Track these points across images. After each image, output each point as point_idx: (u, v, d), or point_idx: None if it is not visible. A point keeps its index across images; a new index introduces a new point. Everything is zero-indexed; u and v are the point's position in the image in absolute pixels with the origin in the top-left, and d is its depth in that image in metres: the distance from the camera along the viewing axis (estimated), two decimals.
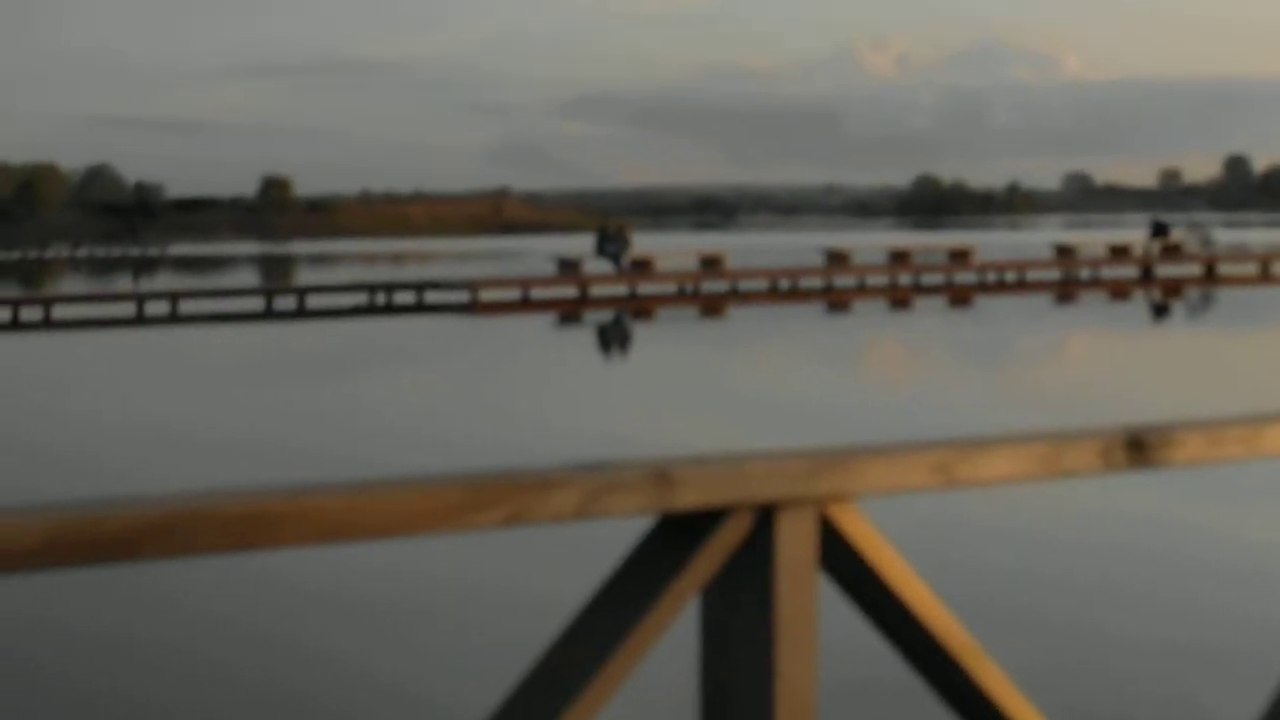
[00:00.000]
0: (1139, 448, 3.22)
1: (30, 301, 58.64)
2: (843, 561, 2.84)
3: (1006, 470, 3.06)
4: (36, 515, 2.16)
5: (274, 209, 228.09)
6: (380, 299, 61.05)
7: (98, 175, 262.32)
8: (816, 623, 2.80)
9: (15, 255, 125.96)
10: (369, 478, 2.52)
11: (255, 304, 59.93)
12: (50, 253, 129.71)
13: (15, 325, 53.32)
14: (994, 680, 3.00)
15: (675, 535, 2.71)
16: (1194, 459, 3.32)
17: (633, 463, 2.66)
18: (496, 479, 2.53)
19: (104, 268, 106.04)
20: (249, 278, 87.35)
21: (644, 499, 2.63)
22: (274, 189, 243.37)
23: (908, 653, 2.97)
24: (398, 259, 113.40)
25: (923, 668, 2.98)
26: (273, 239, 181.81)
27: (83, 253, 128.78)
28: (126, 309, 57.37)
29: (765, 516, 2.75)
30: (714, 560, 2.72)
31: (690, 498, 2.67)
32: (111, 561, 2.21)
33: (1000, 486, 3.14)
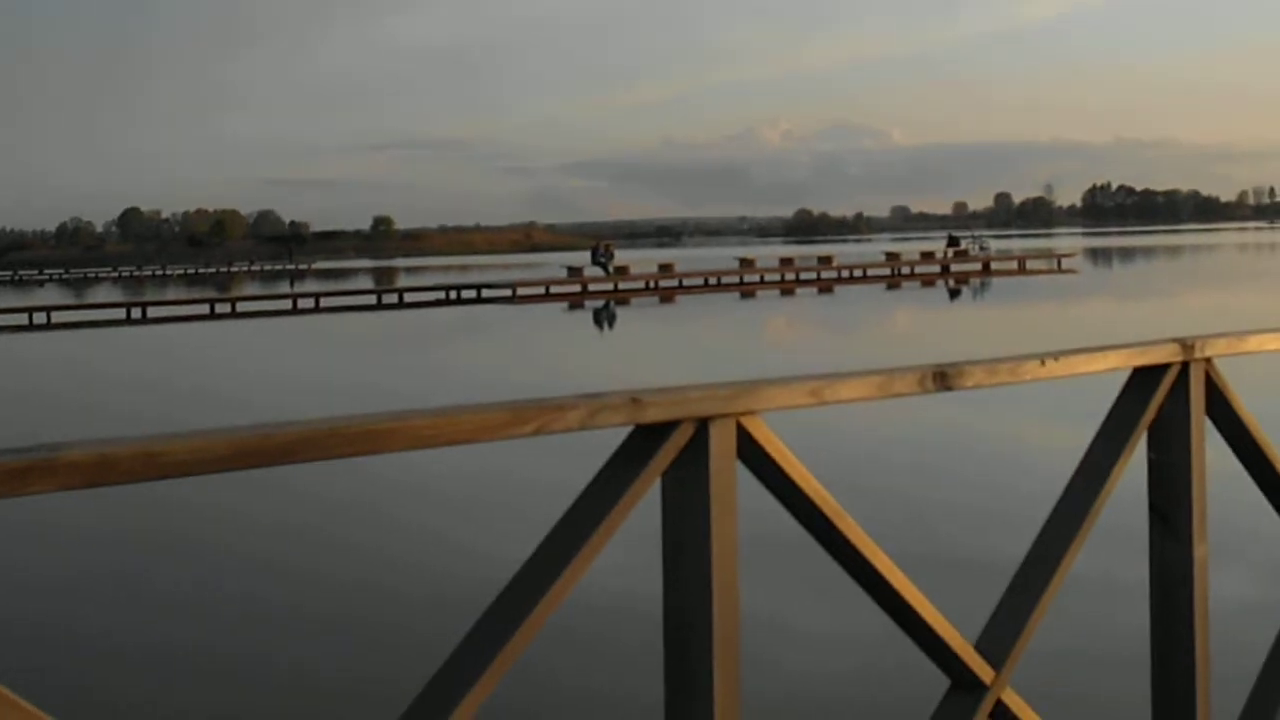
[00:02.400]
0: (942, 377, 3.20)
1: (222, 300, 58.56)
2: (753, 455, 2.82)
3: (857, 393, 3.03)
4: (224, 433, 2.12)
5: (381, 237, 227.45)
6: (453, 295, 60.98)
7: (265, 217, 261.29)
8: (736, 495, 2.78)
9: (211, 270, 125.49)
10: (444, 405, 2.49)
11: (370, 300, 59.92)
12: (234, 268, 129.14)
13: (213, 315, 53.23)
14: (855, 533, 2.97)
15: (645, 439, 2.69)
16: (978, 384, 3.29)
17: (617, 392, 2.64)
18: (528, 404, 2.50)
19: (270, 278, 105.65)
20: (366, 283, 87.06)
21: (624, 415, 2.61)
22: (382, 224, 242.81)
23: (795, 514, 2.94)
24: (464, 269, 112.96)
25: (807, 525, 2.96)
26: (381, 257, 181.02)
27: (255, 268, 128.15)
28: (285, 304, 57.30)
29: (703, 425, 2.72)
30: (670, 454, 2.69)
31: (654, 414, 2.65)
32: (274, 464, 2.17)
33: (855, 404, 3.10)
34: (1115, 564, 9.73)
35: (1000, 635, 3.34)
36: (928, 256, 78.29)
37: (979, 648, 3.28)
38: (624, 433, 2.71)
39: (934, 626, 3.13)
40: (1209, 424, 4.00)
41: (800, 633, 9.41)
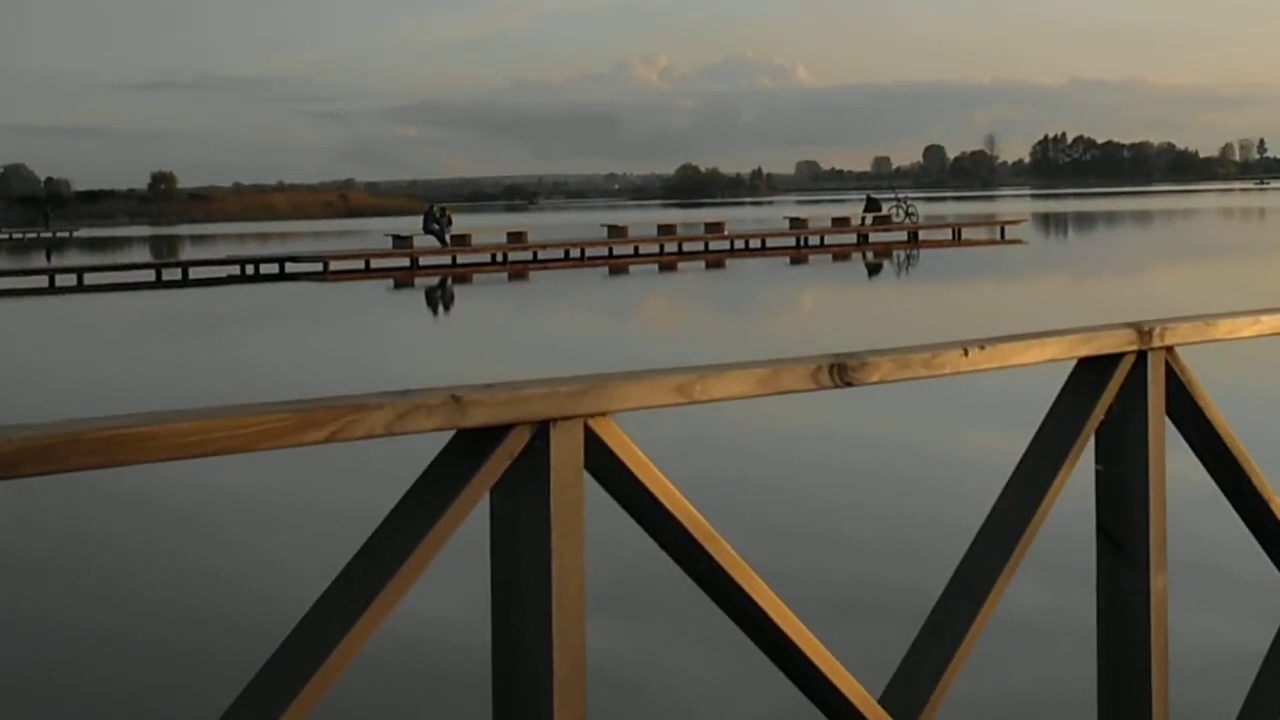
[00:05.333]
0: (841, 370, 3.24)
1: None
2: (603, 464, 2.84)
3: (735, 390, 3.06)
4: None
5: (162, 198, 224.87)
6: (250, 270, 60.46)
7: (14, 173, 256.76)
8: (583, 513, 2.80)
9: None
10: (216, 405, 2.48)
11: (147, 276, 59.24)
12: None
13: None
14: (727, 557, 3.00)
15: (468, 447, 2.70)
16: (885, 378, 3.34)
17: (433, 389, 2.65)
18: (320, 404, 2.50)
19: (19, 248, 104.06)
20: (143, 254, 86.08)
21: (441, 418, 2.61)
22: (162, 182, 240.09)
23: (656, 536, 2.97)
24: (264, 238, 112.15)
25: (667, 548, 2.98)
26: (161, 223, 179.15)
27: (2, 235, 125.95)
28: (40, 281, 56.47)
29: (542, 430, 2.74)
30: (500, 466, 2.71)
31: (480, 416, 2.66)
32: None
33: (731, 403, 3.13)
34: (1055, 599, 9.90)
35: (912, 686, 3.39)
36: (841, 223, 78.82)
37: (884, 702, 3.33)
38: (444, 440, 2.72)
39: (828, 675, 3.16)
40: (1170, 426, 4.07)
41: (665, 679, 9.47)
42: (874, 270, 58.48)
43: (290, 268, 60.94)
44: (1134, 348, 3.92)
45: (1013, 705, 8.69)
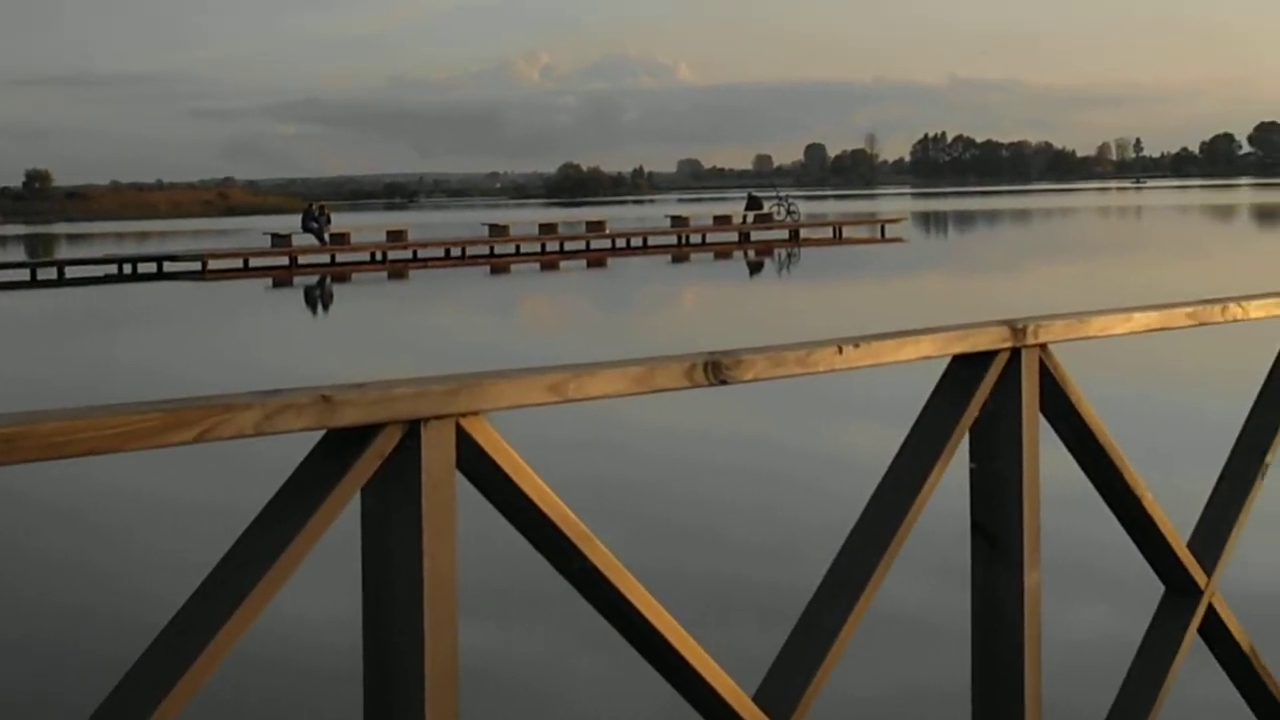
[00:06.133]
0: (716, 368, 3.24)
1: None
2: (475, 464, 2.83)
3: (609, 388, 3.06)
4: None
5: (37, 196, 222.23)
6: (127, 269, 59.91)
7: None
8: (455, 513, 2.79)
9: None
10: (84, 405, 2.46)
11: (22, 275, 58.59)
12: None
13: None
14: (601, 557, 3.00)
15: (338, 447, 2.68)
16: (759, 376, 3.35)
17: (303, 389, 2.63)
18: (189, 404, 2.48)
19: None
20: (17, 254, 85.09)
21: (311, 418, 2.60)
22: (37, 180, 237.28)
23: (529, 536, 2.96)
24: (142, 237, 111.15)
25: (541, 548, 2.98)
26: (36, 222, 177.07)
27: None
28: None
29: (413, 429, 2.73)
30: (371, 466, 2.70)
31: (350, 416, 2.65)
32: None
33: (606, 401, 3.13)
34: (931, 596, 9.97)
35: (786, 684, 3.40)
36: (723, 222, 79.12)
37: (759, 700, 3.34)
38: (314, 440, 2.71)
39: (702, 673, 3.17)
40: (1044, 424, 4.11)
41: (540, 679, 9.47)
42: (755, 269, 58.73)
43: (168, 267, 60.47)
44: (1008, 345, 3.95)
45: (888, 702, 8.75)
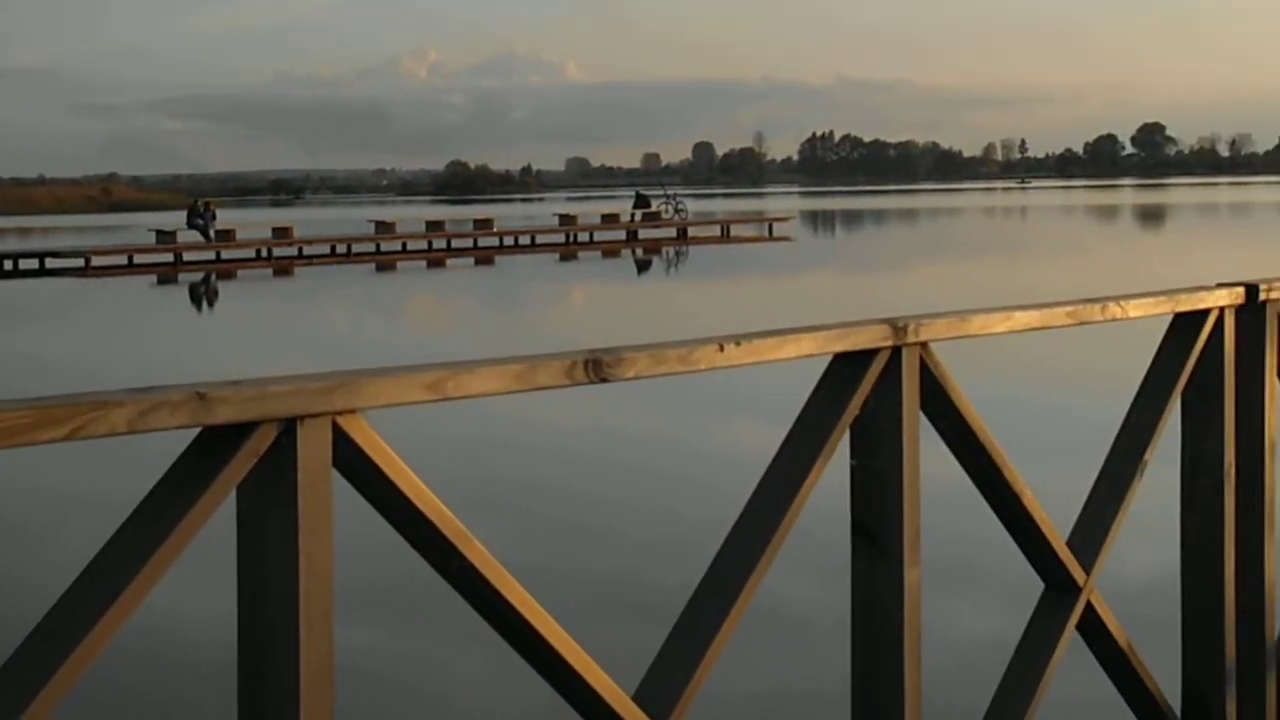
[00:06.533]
0: (597, 366, 3.24)
1: None
2: (352, 462, 2.82)
3: (489, 386, 3.05)
4: None
5: None
6: (8, 265, 59.22)
7: None
8: (332, 512, 2.78)
9: None
10: None
11: None
12: None
13: None
14: (479, 556, 2.99)
15: (213, 445, 2.66)
16: (641, 373, 3.34)
17: (177, 386, 2.60)
18: (60, 401, 2.45)
19: None
20: None
21: (186, 415, 2.57)
22: None
23: (406, 535, 2.95)
24: (24, 233, 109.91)
25: (418, 547, 2.96)
26: None
27: None
28: None
29: (289, 427, 2.71)
30: (246, 464, 2.67)
31: (226, 413, 2.63)
32: None
33: (486, 399, 3.12)
34: (813, 593, 10.02)
35: (665, 682, 3.40)
36: (611, 220, 79.17)
37: (638, 699, 3.34)
38: (189, 438, 2.68)
39: (581, 672, 3.16)
40: (924, 421, 4.13)
41: (417, 677, 9.44)
42: (643, 267, 58.79)
43: (51, 263, 59.87)
44: (889, 343, 3.96)
45: (769, 699, 8.78)
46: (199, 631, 9.71)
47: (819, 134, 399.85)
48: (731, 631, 3.51)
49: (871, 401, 3.96)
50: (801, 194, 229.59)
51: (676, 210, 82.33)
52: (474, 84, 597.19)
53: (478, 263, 60.79)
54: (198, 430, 2.65)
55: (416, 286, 50.30)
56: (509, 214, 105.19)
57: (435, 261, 61.89)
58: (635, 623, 9.50)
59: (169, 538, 2.56)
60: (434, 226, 73.40)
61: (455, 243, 69.45)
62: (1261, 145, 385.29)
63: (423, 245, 68.27)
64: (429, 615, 9.95)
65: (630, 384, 3.45)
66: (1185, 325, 5.11)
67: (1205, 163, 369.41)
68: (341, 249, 66.00)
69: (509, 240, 71.61)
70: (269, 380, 2.71)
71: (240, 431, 2.66)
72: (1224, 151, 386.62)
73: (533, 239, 72.36)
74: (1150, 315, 4.97)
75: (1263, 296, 5.30)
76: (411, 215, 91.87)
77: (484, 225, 74.51)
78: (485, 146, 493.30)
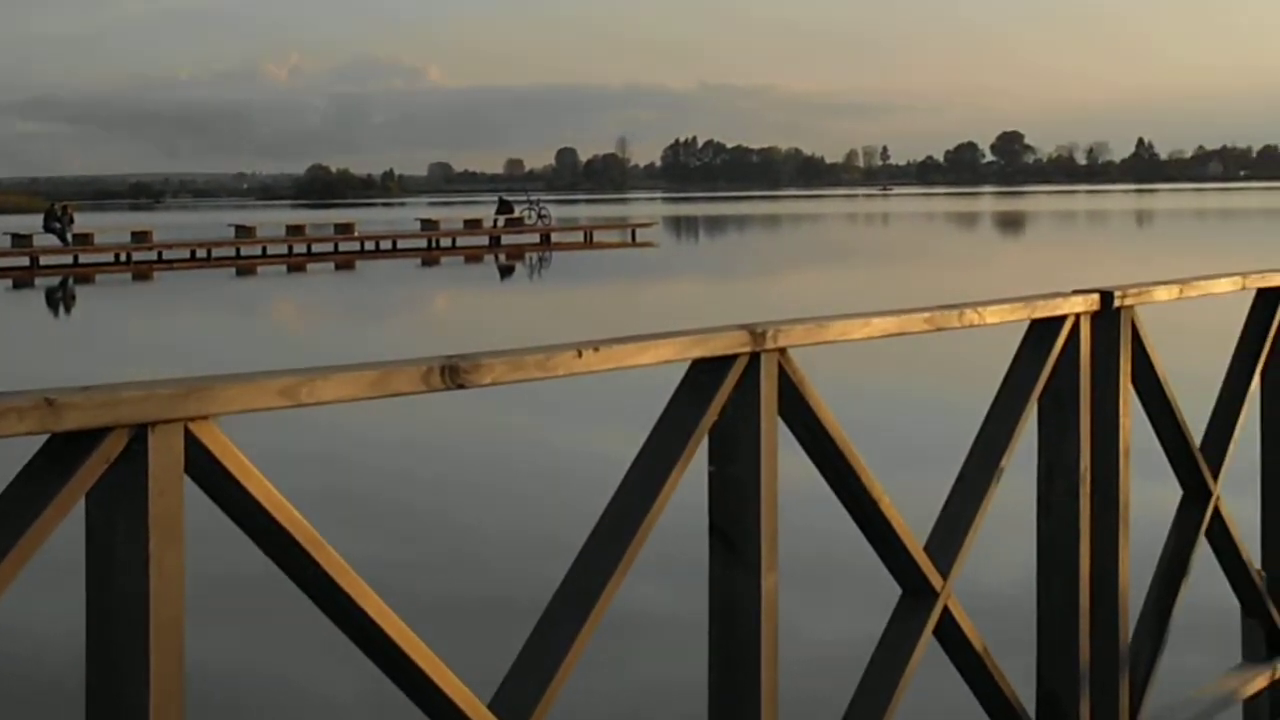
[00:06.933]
0: (454, 372, 3.22)
1: None
2: (204, 469, 2.79)
3: (345, 392, 3.03)
4: None
5: None
6: None
7: None
8: (183, 519, 2.75)
9: None
10: None
11: None
12: None
13: None
14: (333, 563, 2.97)
15: (63, 451, 2.63)
16: (498, 380, 3.33)
17: (25, 391, 2.57)
18: None
19: None
20: None
21: (34, 422, 2.54)
22: None
23: (259, 542, 2.92)
24: None
25: (271, 554, 2.94)
26: None
27: None
28: None
29: (140, 433, 2.68)
30: (95, 471, 2.64)
31: (75, 419, 2.59)
32: None
33: (341, 405, 3.10)
34: (672, 598, 10.04)
35: (522, 690, 3.39)
36: (474, 225, 79.10)
37: (494, 707, 3.33)
38: (38, 444, 2.65)
39: (436, 680, 3.15)
40: (783, 427, 4.14)
41: (272, 686, 9.38)
42: (506, 272, 58.76)
43: None
44: (747, 349, 3.97)
45: (627, 704, 8.79)
46: (43, 647, 9.58)
47: (682, 140, 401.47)
48: (589, 638, 3.50)
49: (730, 407, 3.97)
50: (665, 200, 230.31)
51: (540, 216, 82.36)
52: (336, 88, 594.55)
53: (338, 268, 60.50)
54: (46, 437, 2.62)
55: (276, 291, 49.97)
56: (371, 219, 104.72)
57: (296, 266, 61.57)
58: (492, 629, 9.47)
59: (15, 548, 2.52)
60: (295, 231, 73.04)
61: (316, 247, 69.10)
62: (1118, 154, 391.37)
63: (283, 250, 67.90)
64: (282, 623, 9.87)
65: (492, 389, 3.44)
66: (1042, 331, 5.17)
67: (1063, 171, 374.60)
68: (201, 253, 65.51)
69: (370, 245, 71.34)
70: (120, 386, 2.68)
71: (90, 438, 2.63)
72: (1081, 160, 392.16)
73: (394, 244, 72.13)
74: (1007, 321, 5.02)
75: (1117, 303, 5.37)
76: (272, 220, 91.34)
77: (345, 230, 74.22)
78: (347, 151, 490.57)
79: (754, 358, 4.00)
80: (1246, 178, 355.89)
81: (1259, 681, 6.45)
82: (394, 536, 12.89)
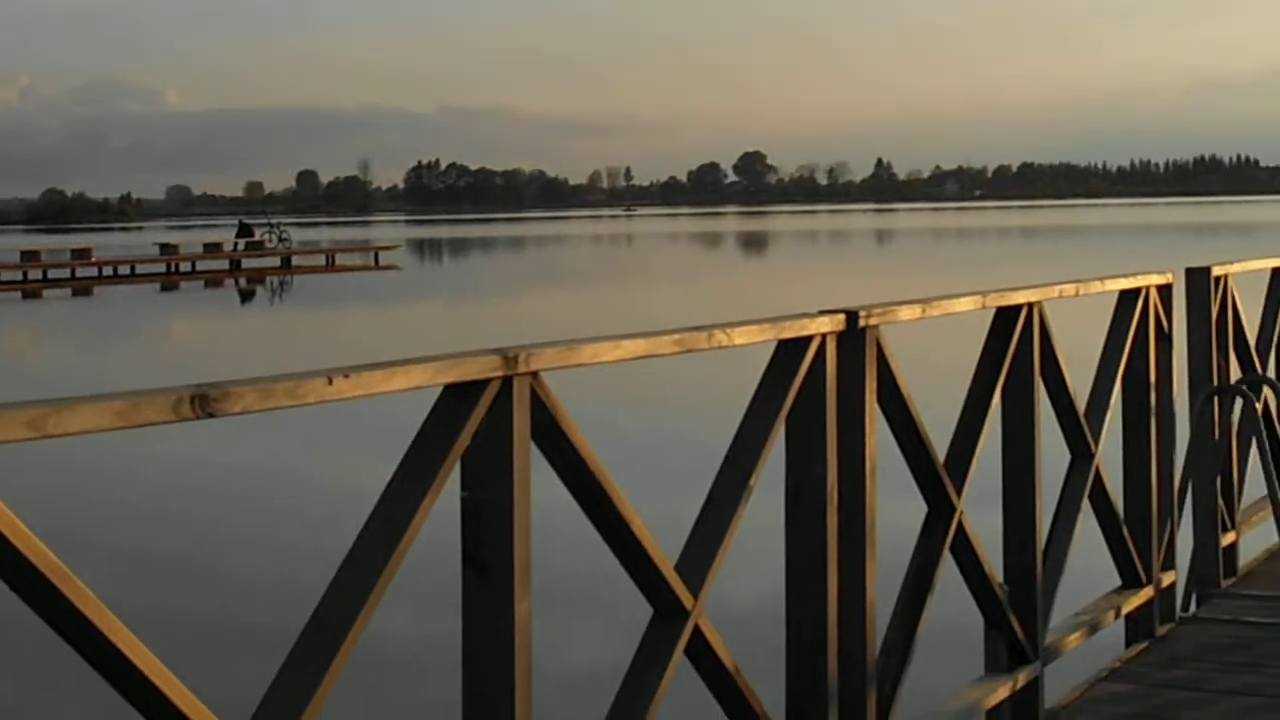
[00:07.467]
0: (203, 401, 3.19)
1: None
2: None
3: (92, 423, 2.98)
4: None
5: None
6: None
7: None
8: None
9: None
10: None
11: None
12: None
13: None
14: (82, 597, 2.92)
15: None
16: (249, 408, 3.31)
17: None
18: None
19: None
20: None
21: None
22: None
23: (7, 578, 2.86)
24: None
25: (19, 590, 2.88)
26: None
27: None
28: None
29: None
30: None
31: None
32: None
33: (90, 436, 3.05)
34: (426, 627, 10.01)
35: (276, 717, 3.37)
36: (214, 249, 78.15)
37: None
38: None
39: (187, 713, 3.12)
40: (537, 453, 4.15)
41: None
42: (247, 297, 58.13)
43: None
44: (499, 374, 3.97)
45: None
46: None
47: (425, 162, 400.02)
48: (342, 667, 3.48)
49: (482, 432, 3.97)
50: (408, 222, 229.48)
51: (280, 239, 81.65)
52: (70, 110, 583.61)
53: (76, 293, 59.42)
54: None
55: (11, 319, 48.91)
56: (108, 243, 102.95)
57: (31, 293, 60.33)
58: (244, 660, 9.37)
59: None
60: (29, 256, 71.52)
61: (52, 273, 67.80)
62: (858, 174, 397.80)
63: (17, 276, 66.49)
64: (29, 660, 9.68)
65: (243, 416, 3.41)
66: (789, 351, 5.24)
67: (804, 190, 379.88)
68: None
69: (108, 270, 70.17)
70: None
71: None
72: (823, 180, 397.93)
73: (133, 269, 71.05)
74: (755, 342, 5.09)
75: (862, 323, 5.47)
76: (5, 245, 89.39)
77: (82, 255, 72.84)
78: (83, 174, 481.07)
79: (506, 382, 4.00)
80: (981, 197, 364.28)
81: (1001, 692, 6.61)
82: (141, 567, 12.67)
